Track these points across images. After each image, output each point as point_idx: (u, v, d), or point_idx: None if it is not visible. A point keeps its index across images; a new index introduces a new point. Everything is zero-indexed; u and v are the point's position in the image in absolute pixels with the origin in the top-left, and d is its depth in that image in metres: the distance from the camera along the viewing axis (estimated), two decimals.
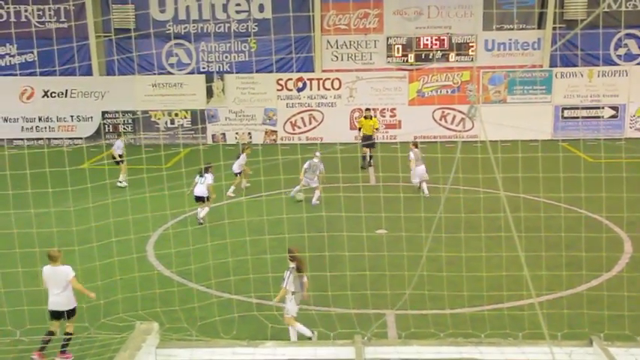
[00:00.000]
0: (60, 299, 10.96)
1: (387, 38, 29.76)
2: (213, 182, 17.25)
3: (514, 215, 6.69)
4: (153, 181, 12.38)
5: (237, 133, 30.05)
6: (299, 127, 30.11)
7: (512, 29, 29.74)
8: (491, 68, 29.72)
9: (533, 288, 7.12)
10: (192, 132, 30.04)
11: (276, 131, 30.13)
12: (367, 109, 26.68)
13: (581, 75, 29.37)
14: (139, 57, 29.55)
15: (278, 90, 29.92)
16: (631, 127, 29.54)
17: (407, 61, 29.71)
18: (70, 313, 11.07)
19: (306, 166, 19.27)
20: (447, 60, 29.73)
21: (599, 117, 29.64)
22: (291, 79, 29.86)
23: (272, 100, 30.00)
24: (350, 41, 29.89)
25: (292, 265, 11.40)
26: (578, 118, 29.46)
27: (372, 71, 29.75)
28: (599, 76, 29.30)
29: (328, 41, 29.96)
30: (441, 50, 29.64)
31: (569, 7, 28.91)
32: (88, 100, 29.98)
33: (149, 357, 5.98)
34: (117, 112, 30.07)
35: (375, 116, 27.43)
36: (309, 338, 11.09)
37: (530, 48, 29.90)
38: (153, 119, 30.11)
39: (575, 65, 29.18)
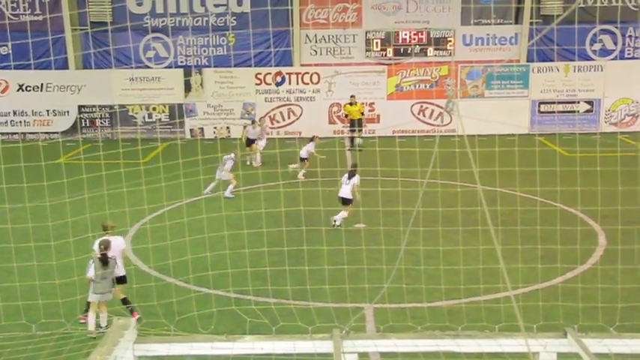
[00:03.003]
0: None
1: (366, 33, 29.80)
2: (359, 183, 16.96)
3: (491, 209, 6.76)
4: (130, 175, 12.31)
5: (215, 128, 29.94)
6: (278, 122, 30.07)
7: (490, 24, 29.92)
8: (469, 63, 29.88)
9: (509, 281, 7.20)
10: (170, 126, 29.88)
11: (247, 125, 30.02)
12: (352, 96, 27.65)
13: (558, 70, 29.63)
14: (116, 50, 29.31)
15: (257, 84, 29.85)
16: (606, 122, 29.88)
17: (385, 55, 29.77)
18: (121, 279, 12.15)
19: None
20: (426, 54, 29.83)
21: (574, 111, 29.94)
22: (269, 73, 29.80)
23: (251, 94, 29.92)
24: (329, 35, 29.89)
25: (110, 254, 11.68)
26: (554, 112, 29.74)
27: (351, 66, 29.78)
28: (575, 71, 29.59)
29: (307, 35, 29.93)
30: (419, 45, 29.74)
31: (546, 2, 29.15)
32: (64, 94, 29.69)
33: (127, 352, 5.97)
34: (94, 106, 29.81)
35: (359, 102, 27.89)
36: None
37: (507, 43, 30.10)
38: (130, 113, 29.90)
39: (551, 60, 29.45)
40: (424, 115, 29.87)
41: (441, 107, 29.38)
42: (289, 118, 29.98)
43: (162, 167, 11.48)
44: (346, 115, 28.02)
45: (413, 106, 29.74)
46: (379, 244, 12.31)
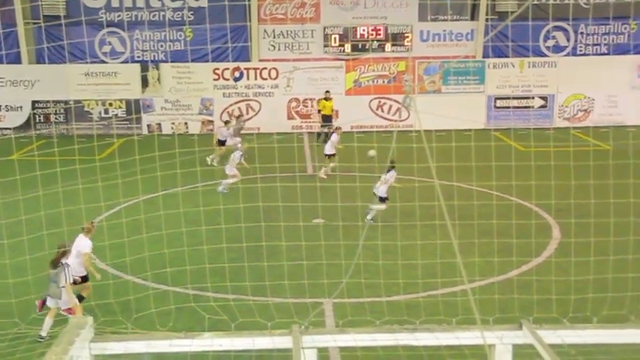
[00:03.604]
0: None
1: (324, 28, 29.82)
2: (393, 180, 16.53)
3: (448, 204, 6.83)
4: (86, 172, 12.11)
5: (173, 123, 29.65)
6: (236, 117, 29.88)
7: (447, 20, 30.20)
8: (427, 59, 30.12)
9: (465, 275, 7.29)
10: (127, 122, 29.48)
11: (212, 121, 29.85)
12: (327, 92, 28.07)
13: (513, 66, 30.08)
14: (70, 45, 28.77)
15: (215, 79, 29.63)
16: (559, 117, 30.45)
17: (344, 51, 29.84)
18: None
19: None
20: (383, 50, 29.99)
21: (529, 107, 30.44)
22: (227, 68, 29.61)
23: (209, 89, 29.69)
24: (287, 31, 29.82)
25: (67, 260, 11.40)
26: (510, 107, 30.20)
27: (309, 61, 29.77)
28: (529, 66, 30.07)
29: (265, 30, 29.81)
30: (377, 40, 29.88)
31: None
32: (17, 89, 29.05)
33: (83, 351, 5.88)
34: (48, 101, 29.24)
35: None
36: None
37: (464, 39, 30.43)
38: (86, 109, 29.41)
39: (506, 56, 29.88)
40: (382, 111, 30.05)
41: (399, 103, 29.58)
42: (247, 113, 29.85)
43: (119, 164, 11.33)
44: (319, 111, 28.05)
45: (371, 101, 29.89)
46: (338, 240, 12.37)
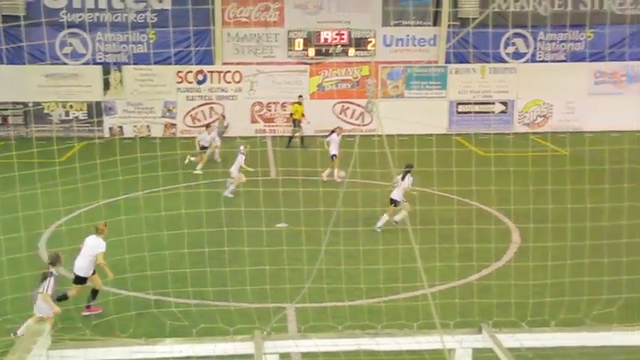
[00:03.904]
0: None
1: (288, 32, 29.85)
2: (409, 186, 16.38)
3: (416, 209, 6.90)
4: (45, 176, 11.93)
5: (135, 126, 29.34)
6: (199, 120, 29.73)
7: (410, 26, 30.47)
8: (390, 63, 30.35)
9: (426, 279, 7.36)
10: (89, 125, 29.09)
11: (175, 124, 29.62)
12: (300, 96, 28.37)
13: (474, 71, 30.47)
14: (30, 46, 28.27)
15: (178, 82, 29.43)
16: (519, 122, 30.93)
17: (308, 55, 29.89)
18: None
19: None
20: (347, 55, 30.13)
21: (490, 112, 30.86)
22: (191, 71, 29.43)
23: (172, 92, 29.48)
24: (251, 34, 29.76)
25: (54, 270, 11.22)
26: (471, 113, 30.57)
27: (273, 65, 29.75)
28: (490, 72, 30.50)
29: (229, 34, 29.71)
30: (341, 45, 30.01)
31: (463, 5, 29.91)
32: None
33: (40, 359, 5.78)
34: (6, 103, 28.69)
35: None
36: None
37: (426, 44, 30.73)
38: (46, 111, 28.94)
39: (468, 62, 30.24)
40: (346, 115, 30.17)
41: (362, 107, 29.72)
42: (211, 116, 29.69)
43: (79, 167, 11.17)
44: (291, 114, 28.02)
45: (335, 105, 30.01)
46: (300, 245, 12.36)
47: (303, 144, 26.61)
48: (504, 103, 30.82)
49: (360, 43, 30.18)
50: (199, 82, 29.57)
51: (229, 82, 29.71)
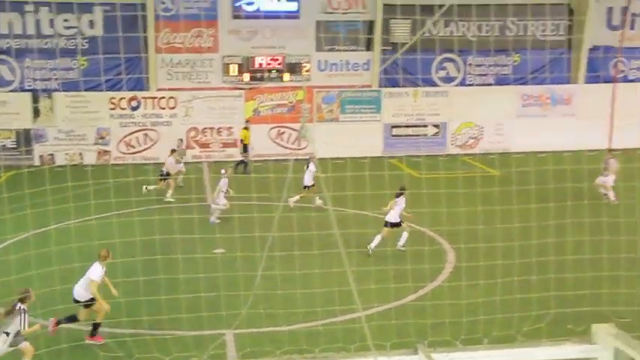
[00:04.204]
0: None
1: (223, 57, 29.82)
2: (404, 207, 16.25)
3: (344, 232, 6.97)
4: None
5: (67, 154, 28.69)
6: (133, 147, 29.30)
7: (343, 51, 30.88)
8: (325, 88, 30.62)
9: (359, 302, 7.43)
10: (18, 153, 28.28)
11: (109, 151, 29.11)
12: (247, 121, 28.39)
13: (407, 95, 31.02)
14: None
15: (111, 109, 28.96)
16: (452, 144, 31.58)
17: (243, 80, 29.92)
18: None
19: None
20: (282, 79, 30.28)
21: (424, 134, 31.43)
22: (124, 97, 29.03)
23: (105, 119, 28.97)
24: (185, 60, 29.60)
25: (24, 306, 10.79)
26: (405, 135, 31.09)
27: (208, 90, 29.64)
28: (423, 96, 31.10)
29: (163, 59, 29.48)
30: (275, 70, 30.16)
31: (395, 31, 30.52)
32: None
33: None
34: None
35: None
36: None
37: (360, 69, 31.16)
38: None
39: (401, 86, 30.80)
40: (282, 140, 30.24)
41: (298, 131, 29.89)
42: (146, 143, 29.32)
43: (7, 197, 10.86)
44: (241, 140, 27.83)
45: (270, 130, 30.04)
46: (236, 270, 12.30)
47: (245, 169, 26.35)
48: (437, 126, 31.44)
49: (294, 68, 30.40)
50: (133, 109, 29.20)
51: (164, 108, 29.44)
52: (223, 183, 19.14)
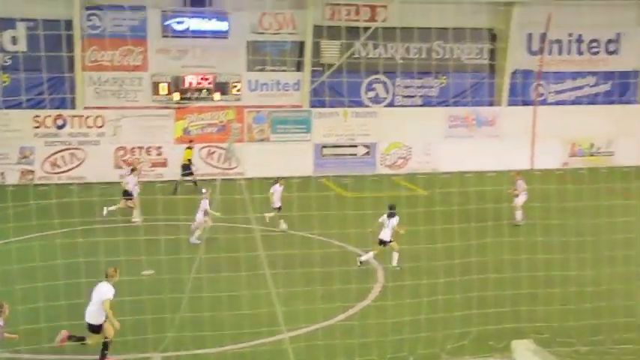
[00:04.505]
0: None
1: (152, 76, 29.51)
2: (397, 224, 16.16)
3: (271, 253, 7.00)
4: None
5: None
6: (59, 167, 28.58)
7: (274, 71, 31.01)
8: (255, 107, 30.66)
9: (288, 323, 7.48)
10: None
11: (33, 171, 28.29)
12: (191, 141, 28.26)
13: (337, 115, 31.36)
14: None
15: (35, 127, 28.21)
16: (382, 164, 32.03)
17: (172, 99, 29.63)
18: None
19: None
20: (212, 99, 30.15)
21: (354, 154, 31.80)
22: (49, 116, 28.33)
23: (28, 137, 28.18)
24: (113, 78, 29.14)
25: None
26: (335, 155, 31.38)
27: (137, 109, 29.25)
28: (353, 116, 31.49)
29: (90, 77, 28.94)
30: (206, 89, 30.03)
31: (324, 52, 30.86)
32: None
33: None
34: None
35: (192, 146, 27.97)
36: None
37: (290, 89, 31.34)
38: None
39: (332, 106, 31.13)
40: (212, 159, 30.05)
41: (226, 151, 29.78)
42: (72, 162, 28.64)
43: None
44: (189, 160, 27.33)
45: (201, 149, 29.81)
46: (163, 292, 12.15)
47: (176, 190, 25.88)
48: (367, 146, 31.85)
49: (225, 88, 30.33)
50: (59, 127, 28.52)
51: (91, 127, 28.85)
52: (204, 203, 18.76)
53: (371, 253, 16.48)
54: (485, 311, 12.40)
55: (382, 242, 16.47)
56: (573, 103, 33.76)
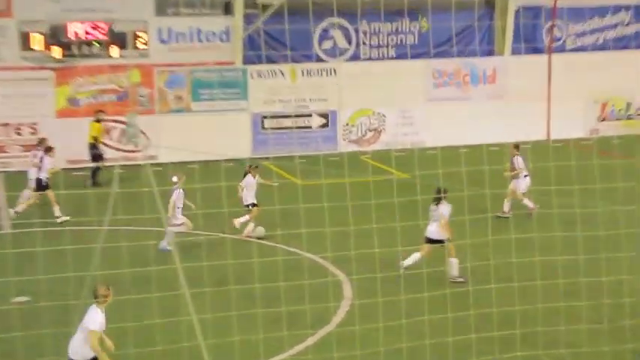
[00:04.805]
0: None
1: (20, 24, 29.05)
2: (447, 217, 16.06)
3: (190, 265, 6.88)
4: None
5: None
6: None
7: (194, 15, 30.77)
8: (169, 66, 30.42)
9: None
10: None
11: None
12: (99, 112, 27.73)
13: (283, 74, 31.29)
14: None
15: None
16: (345, 139, 32.07)
17: (52, 56, 29.25)
18: None
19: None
20: (109, 55, 29.82)
21: (307, 127, 31.76)
22: None
23: None
24: None
25: None
26: (281, 129, 31.28)
27: (1, 71, 28.77)
28: (303, 75, 31.46)
29: None
30: (98, 42, 29.67)
31: None
32: None
33: None
34: None
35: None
36: None
37: (217, 39, 31.17)
38: None
39: (274, 62, 31.00)
40: (111, 139, 29.72)
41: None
42: None
43: None
44: (95, 139, 27.26)
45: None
46: (44, 326, 11.98)
47: (95, 180, 26.02)
48: (324, 115, 31.89)
49: (125, 40, 30.07)
50: None
51: None
52: (177, 195, 18.71)
53: (417, 255, 16.42)
54: (489, 335, 12.48)
55: (431, 241, 16.44)
56: (601, 48, 34.32)
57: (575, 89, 32.81)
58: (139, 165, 24.23)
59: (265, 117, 31.38)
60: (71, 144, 27.66)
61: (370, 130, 32.38)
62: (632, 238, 15.61)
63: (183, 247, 11.16)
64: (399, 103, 32.07)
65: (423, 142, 31.66)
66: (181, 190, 18.85)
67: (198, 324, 10.25)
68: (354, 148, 31.85)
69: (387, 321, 12.68)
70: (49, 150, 22.51)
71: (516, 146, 22.15)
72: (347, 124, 32.15)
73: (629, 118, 34.44)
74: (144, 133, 28.92)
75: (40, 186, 21.66)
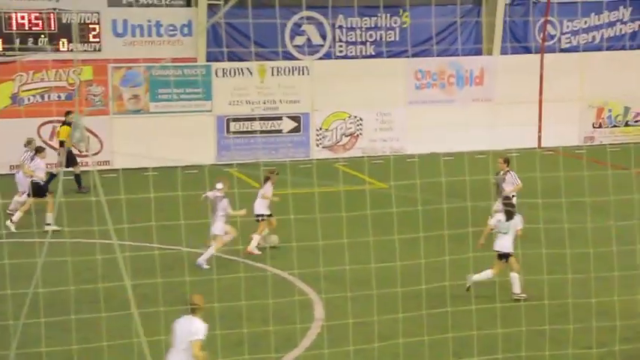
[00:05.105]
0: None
1: None
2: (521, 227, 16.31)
3: (144, 282, 6.93)
4: None
5: None
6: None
7: (152, 6, 30.76)
8: (124, 62, 30.35)
9: None
10: None
11: None
12: (68, 113, 26.46)
13: (250, 73, 31.29)
14: None
15: None
16: (318, 145, 32.09)
17: None
18: None
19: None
20: (57, 49, 29.73)
21: (277, 132, 31.77)
22: None
23: None
24: None
25: None
26: (250, 133, 31.26)
27: None
28: (272, 74, 31.50)
29: None
30: (45, 34, 29.58)
31: None
32: None
33: None
34: None
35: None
36: None
37: (178, 33, 31.17)
38: None
39: (241, 59, 31.00)
40: (57, 142, 29.58)
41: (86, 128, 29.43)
42: None
43: None
44: (62, 143, 26.71)
45: (41, 126, 29.37)
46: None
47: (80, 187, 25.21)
48: (295, 119, 31.92)
49: (76, 32, 29.95)
50: None
51: None
52: (225, 203, 18.77)
53: (489, 271, 16.43)
54: None
55: (502, 256, 16.46)
56: (598, 48, 34.51)
57: (568, 92, 33.04)
58: (88, 171, 24.28)
59: (231, 119, 31.36)
60: (14, 147, 27.50)
61: (346, 135, 32.42)
62: (624, 256, 15.79)
63: (135, 262, 11.17)
64: (378, 105, 32.12)
65: (403, 148, 31.78)
66: (226, 199, 18.85)
67: (148, 347, 10.29)
68: (327, 154, 31.87)
69: (364, 343, 12.78)
70: (39, 151, 22.53)
71: (506, 160, 21.05)
72: (320, 129, 32.16)
73: (627, 124, 34.58)
74: (97, 136, 29.02)
75: (38, 191, 21.41)
